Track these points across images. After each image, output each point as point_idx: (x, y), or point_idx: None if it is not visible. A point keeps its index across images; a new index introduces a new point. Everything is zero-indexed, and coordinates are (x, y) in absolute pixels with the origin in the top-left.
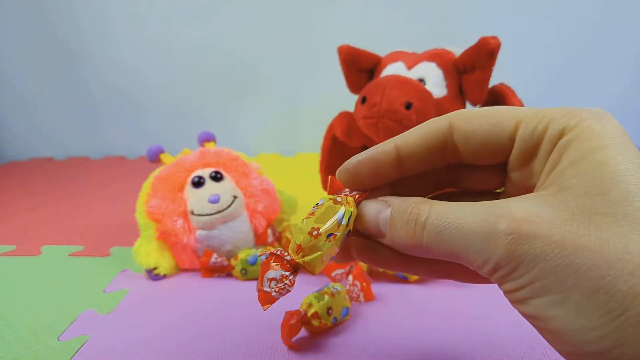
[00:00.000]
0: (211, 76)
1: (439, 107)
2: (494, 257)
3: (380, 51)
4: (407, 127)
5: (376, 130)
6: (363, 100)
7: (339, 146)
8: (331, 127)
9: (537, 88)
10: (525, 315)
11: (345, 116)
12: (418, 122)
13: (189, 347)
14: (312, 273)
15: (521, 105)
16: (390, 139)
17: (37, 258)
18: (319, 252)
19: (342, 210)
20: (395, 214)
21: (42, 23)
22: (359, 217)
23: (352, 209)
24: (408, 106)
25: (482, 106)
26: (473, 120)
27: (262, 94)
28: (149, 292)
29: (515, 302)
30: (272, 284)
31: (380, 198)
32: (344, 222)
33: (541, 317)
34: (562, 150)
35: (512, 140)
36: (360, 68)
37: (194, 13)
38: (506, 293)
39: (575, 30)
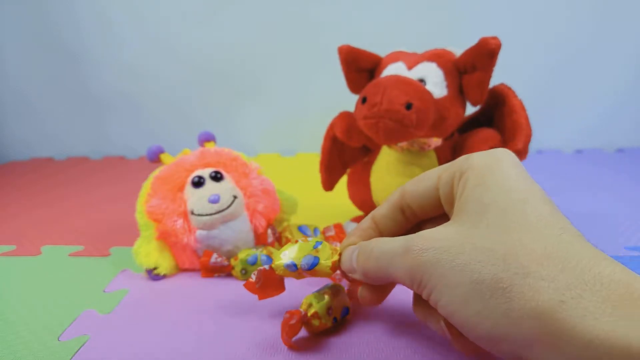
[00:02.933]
0: (211, 76)
1: (439, 107)
2: (410, 271)
3: (381, 52)
4: (407, 127)
5: (376, 130)
6: (363, 100)
7: (339, 146)
8: (331, 127)
9: (537, 88)
10: (447, 318)
11: (345, 116)
12: (418, 122)
13: (188, 347)
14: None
15: (521, 105)
16: (370, 213)
17: (37, 258)
18: (284, 250)
19: (321, 243)
20: (359, 251)
21: (42, 23)
22: (341, 260)
23: (330, 253)
24: (408, 106)
25: (483, 107)
26: (414, 183)
27: (262, 94)
28: (149, 292)
29: (436, 308)
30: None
31: (358, 243)
32: (319, 247)
33: (448, 315)
34: (462, 185)
35: (437, 190)
36: (360, 68)
37: (194, 13)
38: (431, 304)
39: (575, 29)
